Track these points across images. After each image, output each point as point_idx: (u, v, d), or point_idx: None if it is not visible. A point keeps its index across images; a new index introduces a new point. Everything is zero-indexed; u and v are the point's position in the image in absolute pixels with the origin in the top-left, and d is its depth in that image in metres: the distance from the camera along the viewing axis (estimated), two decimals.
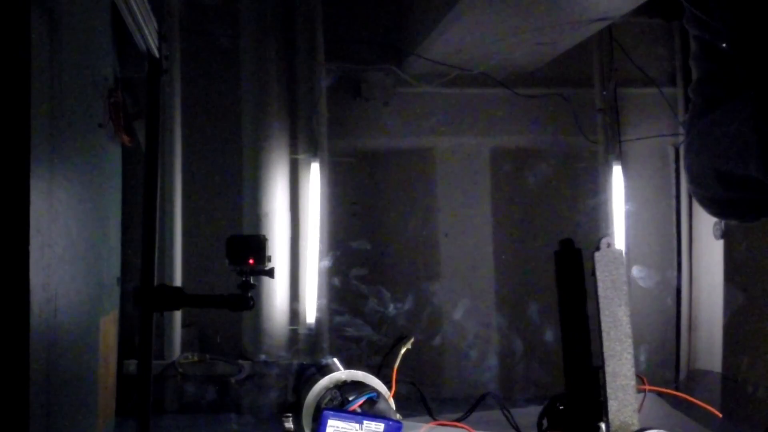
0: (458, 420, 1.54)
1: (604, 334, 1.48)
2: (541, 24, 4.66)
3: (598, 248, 1.48)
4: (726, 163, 1.58)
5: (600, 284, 1.48)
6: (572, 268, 1.53)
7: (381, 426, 1.35)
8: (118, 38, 4.56)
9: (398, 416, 1.42)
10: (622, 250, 1.52)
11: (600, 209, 5.80)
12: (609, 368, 1.46)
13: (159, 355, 5.15)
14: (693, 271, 5.80)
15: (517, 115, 5.93)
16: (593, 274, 1.48)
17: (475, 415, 1.58)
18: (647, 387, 1.53)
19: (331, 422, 1.33)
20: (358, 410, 1.39)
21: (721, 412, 5.25)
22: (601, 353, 1.47)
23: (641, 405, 1.49)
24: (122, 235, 4.74)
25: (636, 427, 1.45)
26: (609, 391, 1.45)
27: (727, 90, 1.60)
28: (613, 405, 1.44)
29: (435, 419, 1.54)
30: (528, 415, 1.48)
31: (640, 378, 1.54)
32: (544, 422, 1.58)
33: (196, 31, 5.48)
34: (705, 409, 1.70)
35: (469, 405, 1.61)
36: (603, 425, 1.45)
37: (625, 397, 1.46)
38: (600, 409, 1.44)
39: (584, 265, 1.55)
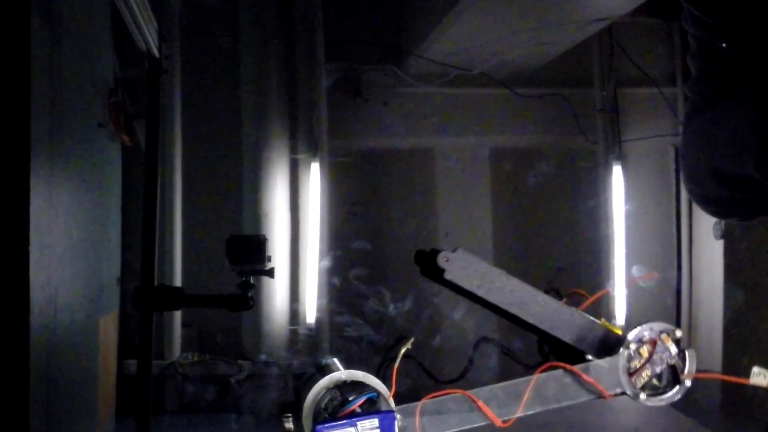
0: (459, 377, 1.53)
1: (514, 309, 1.47)
2: (541, 24, 4.66)
3: (443, 270, 1.46)
4: (723, 162, 1.58)
5: (474, 287, 1.47)
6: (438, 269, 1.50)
7: (375, 421, 1.35)
8: (118, 38, 4.57)
9: (398, 416, 1.42)
10: (458, 248, 1.49)
11: (600, 209, 5.80)
12: (545, 324, 1.45)
13: (159, 355, 5.15)
14: (693, 271, 5.80)
15: (517, 115, 5.93)
16: None
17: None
18: (591, 298, 1.50)
19: None
20: (358, 410, 1.38)
21: (721, 412, 5.24)
22: (534, 328, 1.46)
23: (600, 313, 1.48)
24: (122, 235, 4.74)
25: (619, 333, 1.42)
26: (567, 335, 1.43)
27: (725, 88, 1.60)
28: (585, 341, 1.42)
29: (438, 381, 1.53)
30: (526, 415, 1.48)
31: (579, 294, 1.51)
32: (546, 347, 1.56)
33: (196, 31, 5.48)
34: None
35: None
36: (588, 355, 1.44)
37: (584, 326, 1.44)
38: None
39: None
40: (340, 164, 5.74)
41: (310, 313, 5.50)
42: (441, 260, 1.46)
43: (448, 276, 1.45)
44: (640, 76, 5.79)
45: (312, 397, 1.42)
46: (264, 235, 2.93)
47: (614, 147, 5.80)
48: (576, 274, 5.81)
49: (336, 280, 5.45)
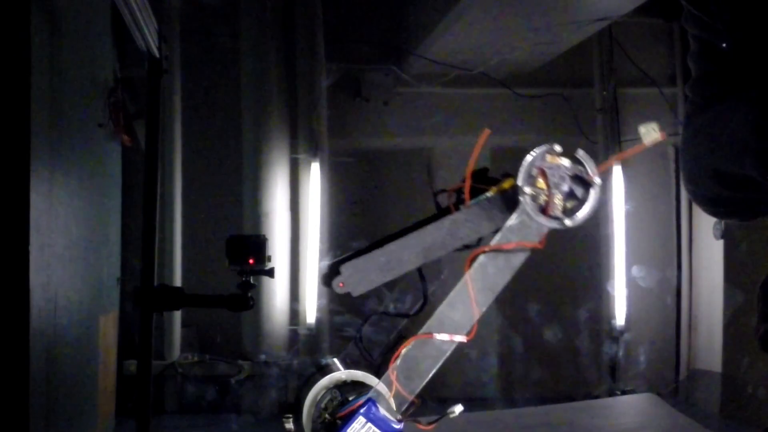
0: (419, 310, 1.51)
1: (429, 258, 1.44)
2: (541, 24, 4.66)
3: (350, 293, 1.44)
4: (723, 162, 1.58)
5: (383, 280, 1.44)
6: None
7: (362, 419, 1.35)
8: (118, 38, 4.57)
9: (399, 417, 1.41)
10: (338, 265, 1.45)
11: (600, 209, 5.80)
12: (456, 243, 1.39)
13: (159, 355, 5.15)
14: (693, 271, 5.80)
15: (517, 115, 5.93)
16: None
17: (474, 415, 1.57)
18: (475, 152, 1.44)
19: None
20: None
21: (721, 412, 5.24)
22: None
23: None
24: (122, 235, 4.74)
25: (513, 182, 1.37)
26: (479, 232, 1.38)
27: (725, 88, 1.60)
28: (495, 220, 1.38)
29: (406, 317, 1.51)
30: (526, 415, 1.48)
31: (460, 187, 1.44)
32: None
33: (196, 31, 5.47)
34: None
35: (467, 404, 1.60)
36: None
37: (482, 212, 1.36)
38: None
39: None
40: (340, 164, 5.74)
41: (310, 313, 5.50)
42: (337, 289, 1.42)
43: (355, 295, 1.42)
44: (640, 76, 5.78)
45: (312, 397, 1.42)
46: (264, 235, 2.93)
47: (614, 147, 5.80)
48: (576, 274, 5.81)
49: None
